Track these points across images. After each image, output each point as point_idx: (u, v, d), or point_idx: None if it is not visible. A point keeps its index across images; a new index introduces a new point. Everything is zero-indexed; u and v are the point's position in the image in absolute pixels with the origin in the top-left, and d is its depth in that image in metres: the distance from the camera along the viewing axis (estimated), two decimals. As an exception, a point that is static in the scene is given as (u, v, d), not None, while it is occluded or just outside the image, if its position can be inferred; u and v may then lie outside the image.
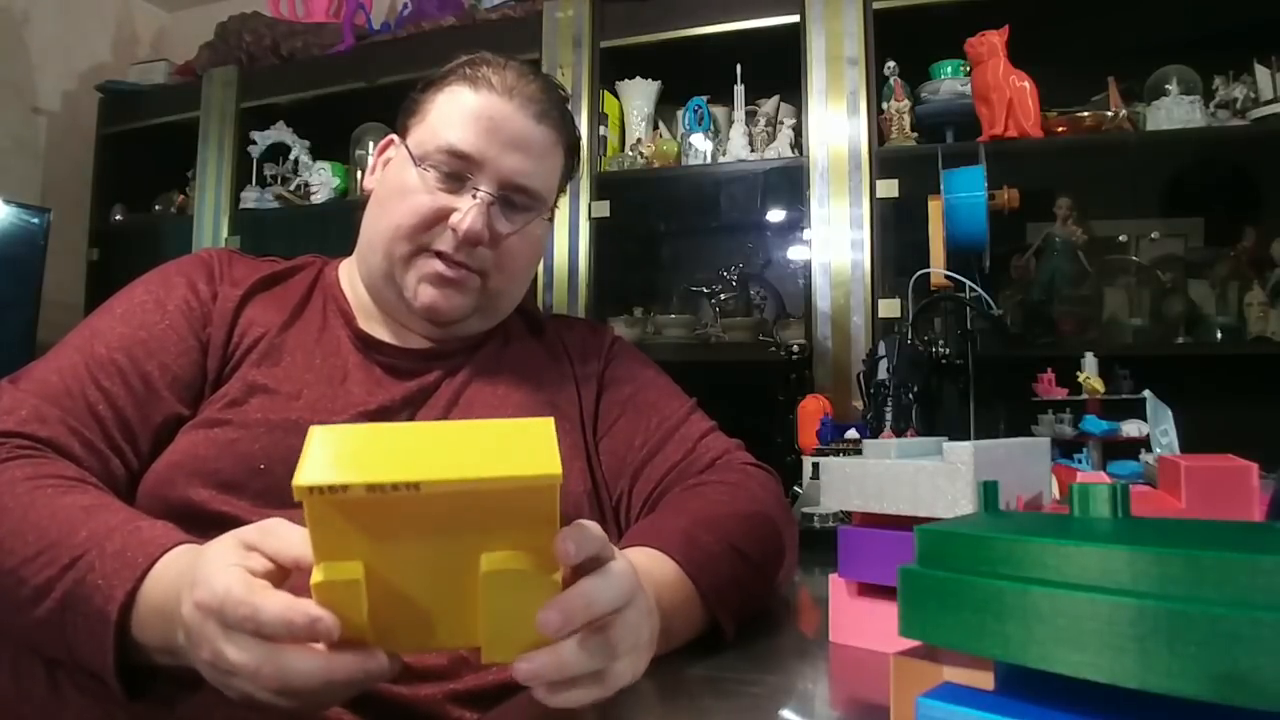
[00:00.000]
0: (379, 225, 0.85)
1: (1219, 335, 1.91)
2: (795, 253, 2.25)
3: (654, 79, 2.28)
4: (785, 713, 0.53)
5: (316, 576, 0.42)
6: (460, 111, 0.83)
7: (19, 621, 0.57)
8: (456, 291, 0.84)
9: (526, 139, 0.83)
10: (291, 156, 2.63)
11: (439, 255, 0.82)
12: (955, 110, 1.98)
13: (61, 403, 0.70)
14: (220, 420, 0.74)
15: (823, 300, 1.94)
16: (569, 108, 0.91)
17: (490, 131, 0.82)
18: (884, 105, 2.01)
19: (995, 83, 1.85)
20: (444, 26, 2.41)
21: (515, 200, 0.84)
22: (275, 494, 0.69)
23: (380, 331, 0.87)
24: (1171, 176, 2.02)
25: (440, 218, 0.82)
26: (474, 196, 0.81)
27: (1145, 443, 1.39)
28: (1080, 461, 1.46)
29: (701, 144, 2.16)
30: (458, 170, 0.82)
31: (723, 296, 2.20)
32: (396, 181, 0.84)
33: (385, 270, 0.84)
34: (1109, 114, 1.89)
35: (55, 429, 0.69)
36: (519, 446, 0.41)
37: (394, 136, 0.88)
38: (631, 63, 2.26)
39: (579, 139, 0.93)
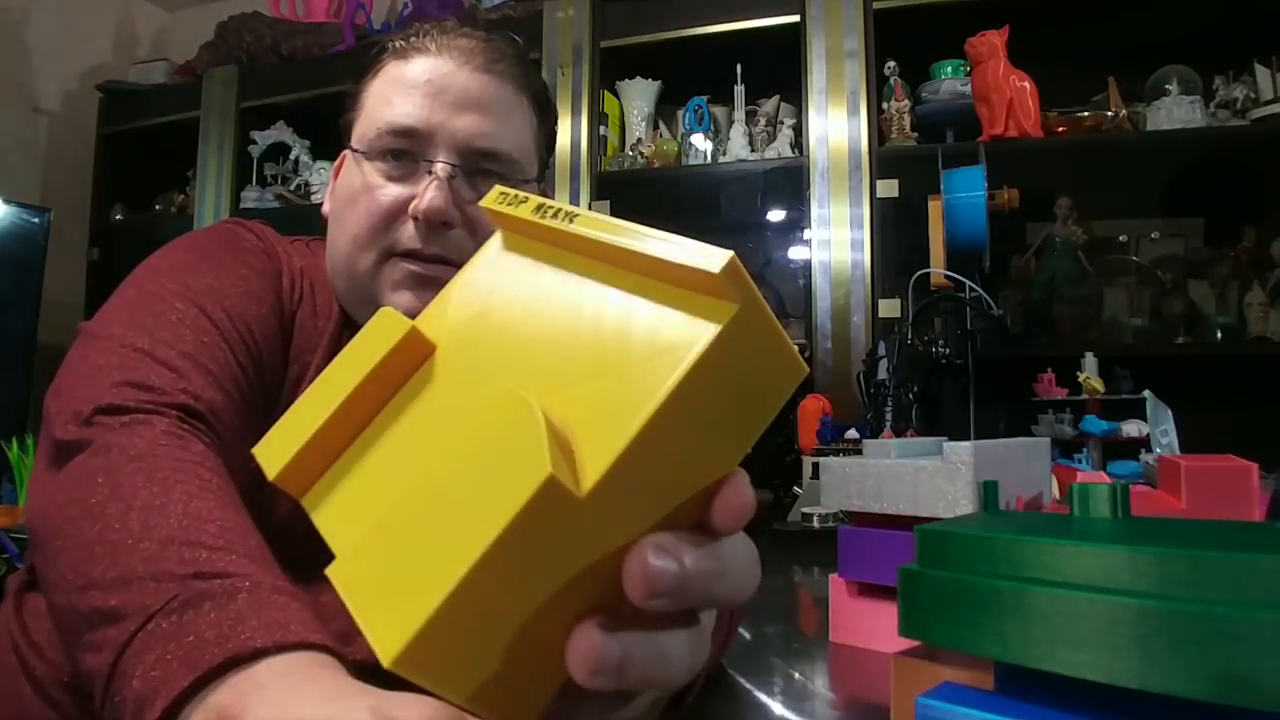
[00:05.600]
0: (337, 244, 0.73)
1: (1219, 335, 1.91)
2: (795, 253, 2.25)
3: (654, 79, 2.28)
4: (785, 713, 0.53)
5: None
6: (397, 86, 0.72)
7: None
8: (436, 291, 0.73)
9: (477, 95, 0.72)
10: (291, 156, 2.63)
11: (408, 255, 0.71)
12: (955, 110, 1.98)
13: (214, 373, 0.60)
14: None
15: (823, 300, 1.94)
16: (527, 59, 0.78)
17: (432, 96, 0.70)
18: (884, 105, 2.02)
19: (995, 83, 1.85)
20: (444, 26, 2.42)
21: (482, 168, 0.72)
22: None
23: None
24: (1171, 176, 2.02)
25: (398, 211, 0.70)
26: (430, 172, 0.70)
27: (1145, 443, 1.39)
28: (1080, 461, 1.46)
29: (701, 144, 2.16)
30: (407, 150, 0.71)
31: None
32: (346, 189, 0.74)
33: (356, 293, 0.73)
34: (1109, 114, 1.89)
35: (219, 406, 0.59)
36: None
37: (345, 152, 0.77)
38: (631, 63, 2.26)
39: (546, 89, 0.80)
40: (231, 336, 0.63)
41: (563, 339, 0.28)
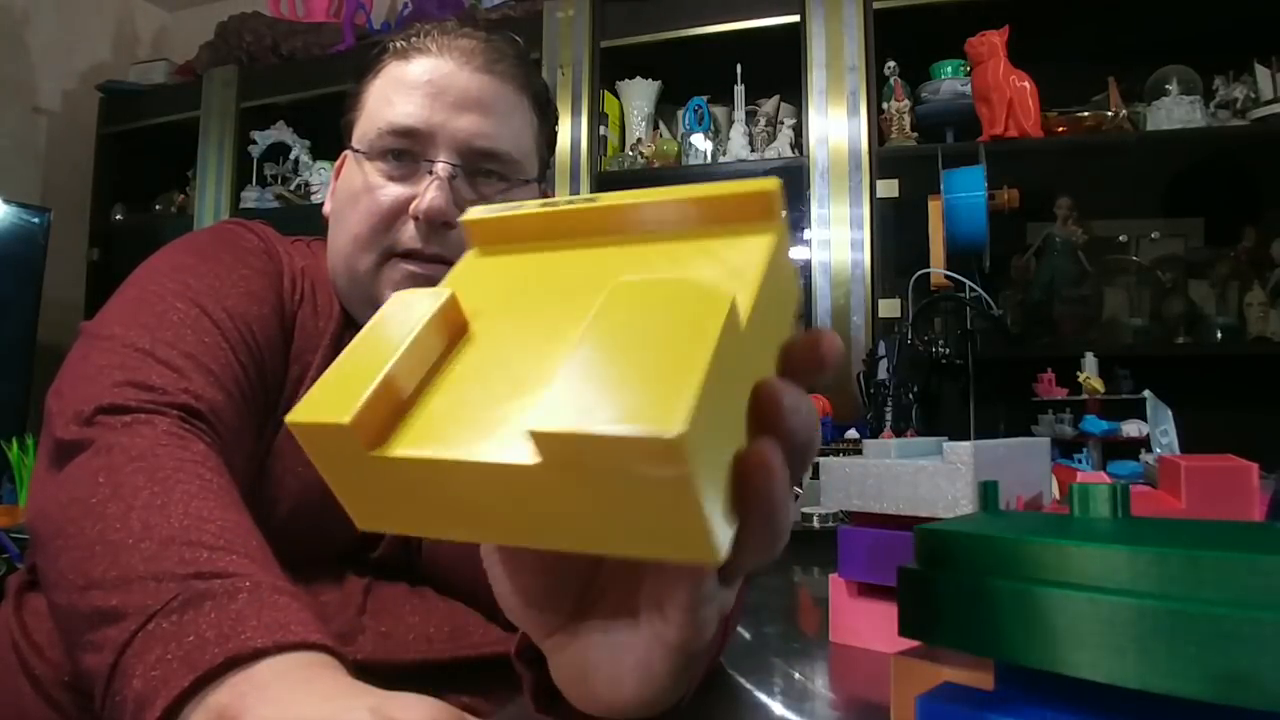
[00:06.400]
0: (337, 244, 0.74)
1: (1219, 335, 1.91)
2: (795, 253, 2.25)
3: (654, 79, 2.28)
4: (785, 713, 0.53)
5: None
6: (398, 86, 0.72)
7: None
8: None
9: (478, 95, 0.72)
10: (291, 156, 2.63)
11: (408, 255, 0.71)
12: (955, 110, 1.98)
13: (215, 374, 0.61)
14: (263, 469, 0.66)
15: (823, 300, 1.94)
16: (528, 59, 0.79)
17: (433, 96, 0.71)
18: (884, 105, 2.02)
19: (995, 83, 1.85)
20: (444, 26, 2.42)
21: (483, 169, 0.72)
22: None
23: None
24: (1171, 176, 2.02)
25: (399, 211, 0.71)
26: (431, 172, 0.70)
27: (1145, 443, 1.39)
28: (1080, 461, 1.47)
29: (701, 144, 2.16)
30: (408, 150, 0.71)
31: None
32: (347, 189, 0.74)
33: (357, 292, 0.72)
34: (1109, 114, 1.89)
35: (220, 406, 0.60)
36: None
37: (346, 153, 0.77)
38: (631, 63, 2.26)
39: (547, 90, 0.80)
40: (232, 336, 0.63)
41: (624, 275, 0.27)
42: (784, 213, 0.29)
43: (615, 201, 0.30)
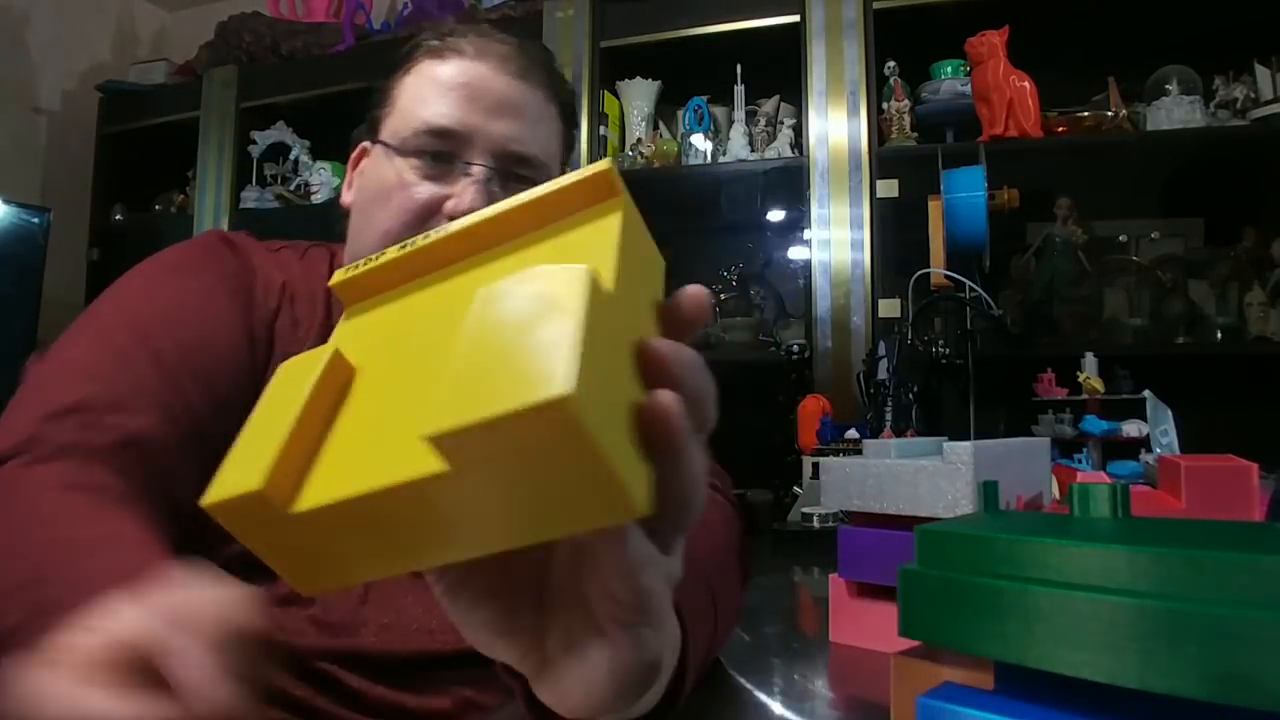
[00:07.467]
0: (363, 237, 0.74)
1: (1219, 335, 1.91)
2: (795, 253, 2.25)
3: (654, 79, 2.28)
4: (785, 713, 0.53)
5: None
6: (434, 86, 0.73)
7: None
8: None
9: (513, 101, 0.74)
10: (291, 156, 2.63)
11: None
12: (955, 110, 1.98)
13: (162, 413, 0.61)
14: None
15: (823, 300, 1.94)
16: (556, 67, 0.81)
17: (470, 99, 0.72)
18: (884, 105, 2.02)
19: (995, 83, 1.85)
20: (444, 26, 2.42)
21: (515, 173, 0.74)
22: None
23: None
24: (1171, 176, 2.02)
25: (433, 209, 0.71)
26: (467, 174, 0.72)
27: (1145, 443, 1.39)
28: (1080, 461, 1.46)
29: (701, 144, 2.16)
30: (443, 150, 0.72)
31: (722, 296, 2.20)
32: (375, 183, 0.74)
33: None
34: (1109, 114, 1.89)
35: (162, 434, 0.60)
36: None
37: (365, 144, 0.78)
38: (631, 63, 2.26)
39: (573, 96, 0.82)
40: (177, 369, 0.63)
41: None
42: (624, 189, 0.30)
43: (466, 224, 0.32)
